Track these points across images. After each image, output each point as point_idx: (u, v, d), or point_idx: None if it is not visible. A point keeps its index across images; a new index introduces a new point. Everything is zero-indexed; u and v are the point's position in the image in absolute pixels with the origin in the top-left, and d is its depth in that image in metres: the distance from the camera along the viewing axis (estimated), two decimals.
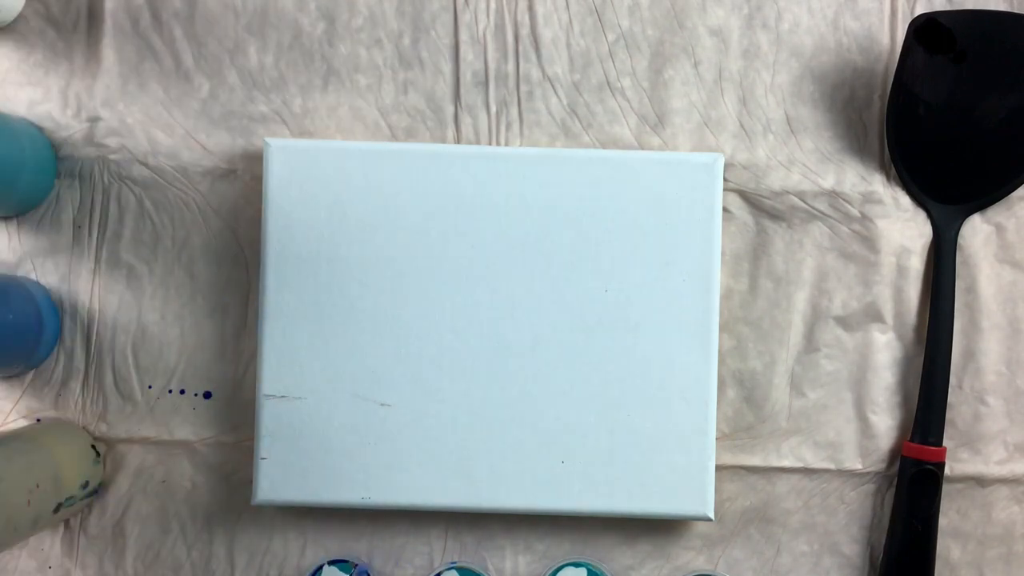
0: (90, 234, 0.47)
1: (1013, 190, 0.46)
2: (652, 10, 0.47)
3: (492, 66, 0.47)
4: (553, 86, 0.47)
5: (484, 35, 0.47)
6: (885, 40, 0.47)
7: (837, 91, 0.47)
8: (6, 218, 0.47)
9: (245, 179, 0.47)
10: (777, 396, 0.47)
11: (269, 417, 0.44)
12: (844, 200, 0.47)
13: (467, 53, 0.47)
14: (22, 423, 0.47)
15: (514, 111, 0.47)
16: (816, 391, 0.47)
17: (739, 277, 0.47)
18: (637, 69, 0.47)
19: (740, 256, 0.47)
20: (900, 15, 0.47)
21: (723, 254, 0.46)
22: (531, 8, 0.47)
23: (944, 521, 0.46)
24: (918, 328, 0.46)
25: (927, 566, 0.45)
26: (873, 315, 0.47)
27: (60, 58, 0.47)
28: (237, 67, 0.47)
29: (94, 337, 0.47)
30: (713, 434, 0.44)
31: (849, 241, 0.47)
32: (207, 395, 0.47)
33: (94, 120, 0.47)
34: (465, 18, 0.47)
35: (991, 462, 0.46)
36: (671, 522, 0.47)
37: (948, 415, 0.46)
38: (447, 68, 0.47)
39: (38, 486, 0.40)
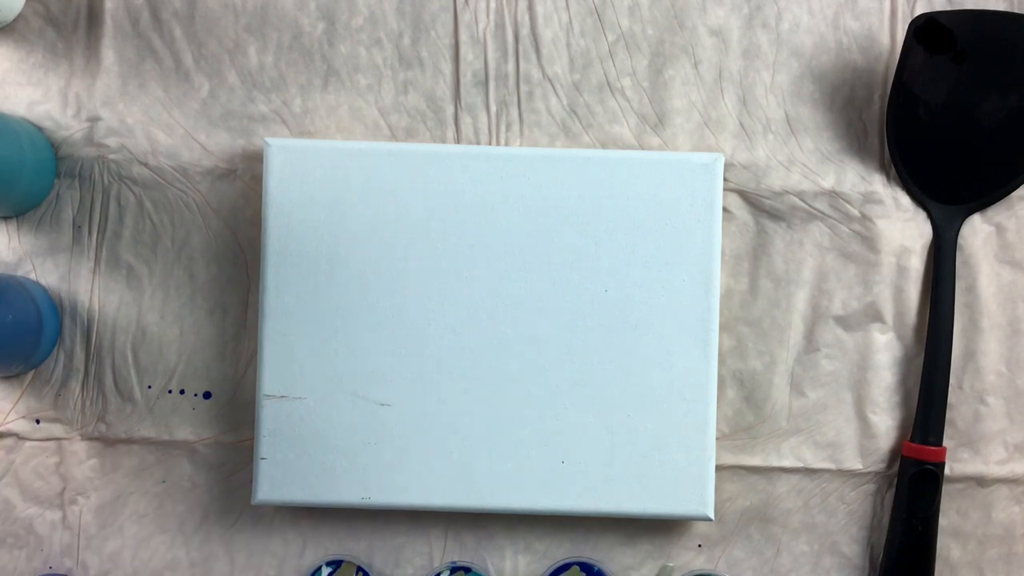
0: (90, 234, 0.47)
1: (1013, 190, 0.46)
2: (652, 10, 0.47)
3: (492, 66, 0.47)
4: (553, 86, 0.47)
5: (484, 35, 0.47)
6: (885, 40, 0.47)
7: (837, 91, 0.47)
8: (6, 218, 0.47)
9: (245, 179, 0.47)
10: (777, 396, 0.47)
11: (269, 417, 0.44)
12: (844, 200, 0.47)
13: (467, 53, 0.47)
14: (22, 423, 0.47)
15: (514, 111, 0.47)
16: (816, 391, 0.47)
17: (739, 277, 0.47)
18: (637, 69, 0.47)
19: (740, 256, 0.47)
20: (900, 15, 0.47)
21: (723, 254, 0.46)
22: (531, 8, 0.47)
23: (944, 521, 0.46)
24: (918, 328, 0.46)
25: (927, 566, 0.45)
26: (873, 315, 0.47)
27: (60, 58, 0.47)
28: (237, 67, 0.47)
29: (94, 337, 0.47)
30: (713, 434, 0.44)
31: (849, 241, 0.47)
32: (207, 395, 0.47)
33: (94, 120, 0.47)
34: (465, 18, 0.47)
35: (991, 462, 0.46)
36: (671, 522, 0.47)
37: (948, 415, 0.46)
38: (447, 68, 0.47)
39: None
